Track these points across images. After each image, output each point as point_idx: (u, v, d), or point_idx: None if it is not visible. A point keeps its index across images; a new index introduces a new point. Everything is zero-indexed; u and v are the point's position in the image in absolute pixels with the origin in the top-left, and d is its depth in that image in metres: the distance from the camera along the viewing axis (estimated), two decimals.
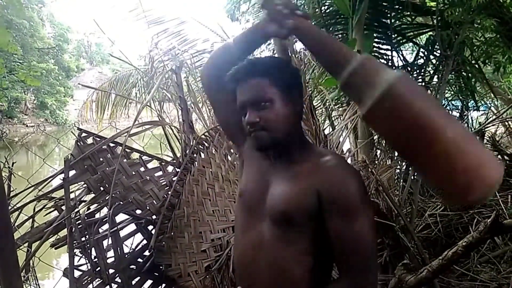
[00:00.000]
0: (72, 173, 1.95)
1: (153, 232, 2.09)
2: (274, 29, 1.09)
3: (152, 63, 3.17)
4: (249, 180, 1.22)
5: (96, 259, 1.97)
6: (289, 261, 1.11)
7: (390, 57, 3.98)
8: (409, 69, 4.07)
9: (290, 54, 3.52)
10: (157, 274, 2.12)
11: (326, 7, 4.07)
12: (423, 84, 4.16)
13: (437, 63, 4.04)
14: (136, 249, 2.12)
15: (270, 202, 1.14)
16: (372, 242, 1.05)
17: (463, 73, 4.20)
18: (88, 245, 1.94)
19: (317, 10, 3.95)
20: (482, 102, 5.74)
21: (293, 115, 1.15)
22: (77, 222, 1.93)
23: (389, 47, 3.96)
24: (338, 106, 4.25)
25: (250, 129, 1.11)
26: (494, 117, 5.23)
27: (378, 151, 3.86)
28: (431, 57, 4.11)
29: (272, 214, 1.13)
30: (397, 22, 4.04)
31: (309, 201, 1.07)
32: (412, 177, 3.42)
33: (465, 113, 5.08)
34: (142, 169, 2.18)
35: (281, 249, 1.11)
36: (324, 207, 1.06)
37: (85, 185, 2.01)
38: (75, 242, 1.91)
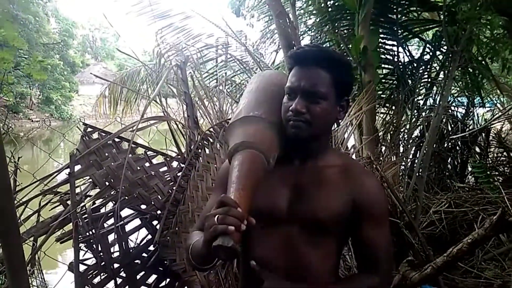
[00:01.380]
0: (77, 167, 1.96)
1: (157, 227, 2.09)
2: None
3: (160, 58, 3.17)
4: (271, 194, 1.14)
5: (101, 254, 1.97)
6: (315, 263, 1.12)
7: (396, 52, 3.96)
8: (415, 65, 4.05)
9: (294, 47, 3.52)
10: (161, 269, 2.13)
11: (332, 1, 4.05)
12: (429, 80, 4.14)
13: (444, 59, 4.01)
14: (141, 244, 2.13)
15: (302, 209, 1.11)
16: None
17: (470, 69, 4.18)
18: (93, 240, 1.95)
19: (322, 5, 3.93)
20: (488, 99, 5.71)
21: (335, 120, 1.15)
22: (82, 217, 1.93)
23: (395, 43, 3.94)
24: None
25: (293, 116, 1.08)
26: (500, 114, 5.19)
27: (383, 148, 3.85)
28: (437, 53, 4.09)
29: (304, 220, 1.11)
30: (404, 17, 4.02)
31: (344, 209, 1.10)
32: (417, 174, 3.41)
33: (471, 110, 5.05)
34: (147, 164, 2.19)
35: (307, 253, 1.12)
36: (360, 216, 1.11)
37: (90, 180, 2.02)
38: (80, 236, 1.92)
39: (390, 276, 1.14)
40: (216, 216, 0.90)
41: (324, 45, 4.06)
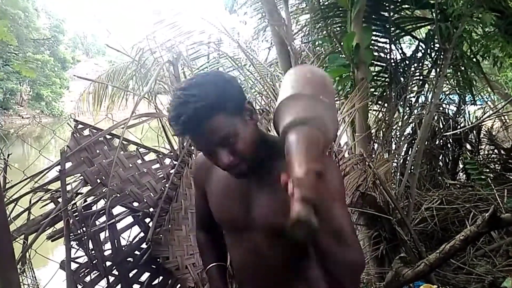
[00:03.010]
0: (68, 165, 1.94)
1: (150, 224, 2.08)
2: None
3: (150, 54, 3.14)
4: (225, 204, 1.18)
5: (93, 252, 1.95)
6: (286, 266, 1.13)
7: (388, 50, 3.96)
8: (407, 62, 4.07)
9: (288, 46, 3.52)
10: (154, 266, 2.12)
11: None
12: (421, 77, 4.15)
13: (435, 56, 4.03)
14: (133, 242, 2.11)
15: (255, 217, 1.10)
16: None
17: (461, 67, 4.20)
18: (85, 238, 1.93)
19: (315, 3, 3.93)
20: (479, 97, 5.75)
21: (255, 128, 1.09)
22: (73, 215, 1.91)
23: (387, 40, 3.94)
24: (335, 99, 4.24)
25: (229, 168, 1.05)
26: (491, 111, 5.24)
27: (376, 145, 3.86)
28: (429, 50, 4.10)
29: (262, 228, 1.10)
30: (396, 15, 4.02)
31: None
32: (409, 171, 3.42)
33: (462, 107, 5.08)
34: (139, 161, 2.17)
35: (272, 257, 1.12)
36: None
37: (81, 177, 1.99)
38: (71, 234, 1.90)
39: (358, 248, 1.06)
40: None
41: (315, 43, 4.06)
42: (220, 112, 0.99)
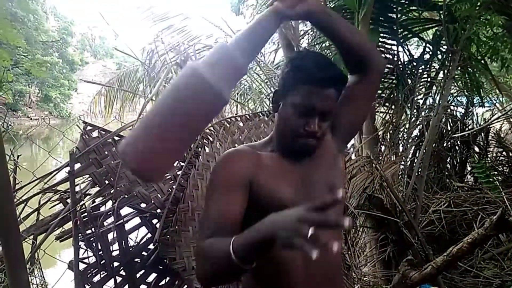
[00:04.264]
0: (77, 166, 1.95)
1: (157, 225, 2.09)
2: (287, 10, 1.05)
3: (158, 57, 3.16)
4: (283, 186, 1.14)
5: (101, 252, 1.97)
6: (337, 254, 1.22)
7: (395, 52, 3.95)
8: (415, 64, 4.05)
9: (295, 48, 3.52)
10: (161, 267, 2.12)
11: (332, 1, 4.05)
12: (429, 79, 4.14)
13: (443, 58, 4.01)
14: (141, 243, 2.12)
15: (319, 192, 1.14)
16: None
17: (469, 69, 4.18)
18: (93, 238, 1.94)
19: (322, 3, 3.93)
20: (488, 99, 5.71)
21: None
22: (82, 215, 1.93)
23: (394, 42, 3.93)
24: None
25: (306, 136, 1.11)
26: (499, 113, 5.20)
27: (383, 147, 3.85)
28: (437, 52, 4.09)
29: (340, 205, 1.21)
30: (403, 17, 4.02)
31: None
32: (417, 173, 3.41)
33: (470, 109, 5.05)
34: None
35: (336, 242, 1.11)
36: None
37: (90, 178, 2.01)
38: (80, 235, 1.91)
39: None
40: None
41: (323, 45, 4.06)
42: (338, 91, 1.13)
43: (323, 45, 4.08)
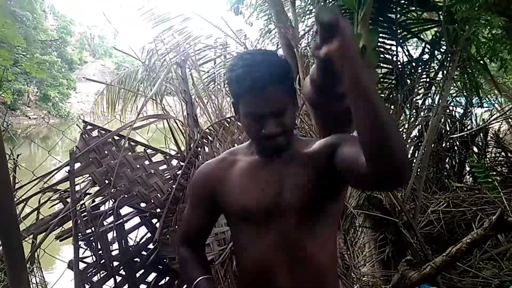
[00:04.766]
0: (77, 165, 1.95)
1: (157, 225, 2.09)
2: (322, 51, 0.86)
3: (158, 57, 3.17)
4: (253, 191, 1.17)
5: (100, 252, 1.97)
6: (316, 254, 1.14)
7: (395, 52, 3.96)
8: (414, 64, 4.06)
9: (294, 48, 3.52)
10: (161, 267, 2.12)
11: (331, 0, 4.05)
12: (428, 80, 4.15)
13: (442, 59, 4.02)
14: (141, 242, 2.12)
15: (294, 196, 1.12)
16: None
17: (468, 69, 4.19)
18: (93, 238, 1.94)
19: (322, 3, 3.93)
20: (487, 99, 5.73)
21: (296, 112, 1.18)
22: (82, 215, 1.93)
23: (393, 42, 3.94)
24: None
25: (268, 138, 1.10)
26: (498, 114, 5.21)
27: None
28: (436, 53, 4.10)
29: (299, 206, 1.12)
30: (403, 17, 4.02)
31: (327, 169, 1.09)
32: (416, 174, 3.42)
33: (469, 110, 5.06)
34: (146, 162, 2.18)
35: (309, 244, 1.13)
36: (336, 150, 1.08)
37: (90, 178, 2.01)
38: (80, 234, 1.91)
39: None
40: None
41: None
42: (282, 84, 1.08)
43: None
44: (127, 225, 2.08)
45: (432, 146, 3.89)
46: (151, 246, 2.11)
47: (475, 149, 4.98)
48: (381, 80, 4.09)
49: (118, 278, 2.02)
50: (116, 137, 2.10)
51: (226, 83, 1.20)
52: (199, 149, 2.36)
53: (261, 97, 1.06)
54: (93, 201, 2.01)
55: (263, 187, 1.15)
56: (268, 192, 1.14)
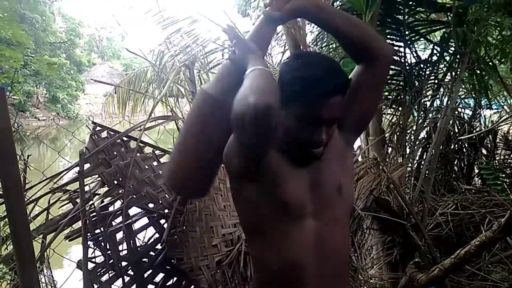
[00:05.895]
0: (86, 166, 1.97)
1: (165, 226, 2.10)
2: (276, 13, 1.12)
3: (167, 59, 3.18)
4: (290, 182, 1.12)
5: (109, 252, 1.98)
6: (347, 250, 1.22)
7: (403, 53, 3.94)
8: (422, 66, 4.04)
9: (301, 48, 3.52)
10: (169, 267, 2.14)
11: (339, 2, 4.05)
12: (436, 81, 4.12)
13: (451, 60, 4.00)
14: (149, 243, 2.13)
15: (345, 194, 1.16)
16: None
17: (477, 71, 4.16)
18: (101, 238, 1.96)
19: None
20: (495, 101, 5.68)
21: None
22: (91, 215, 1.94)
23: (402, 44, 3.93)
24: None
25: (313, 145, 1.08)
26: (507, 115, 5.16)
27: (390, 149, 3.84)
28: (445, 54, 4.07)
29: (348, 204, 1.19)
30: (411, 18, 4.01)
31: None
32: (424, 176, 3.40)
33: (478, 111, 5.03)
34: (155, 163, 2.20)
35: (340, 244, 1.15)
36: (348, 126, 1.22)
37: (99, 179, 2.03)
38: (89, 234, 1.93)
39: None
40: None
41: (329, 47, 4.06)
42: (344, 96, 1.08)
43: (331, 47, 4.08)
44: (136, 226, 2.09)
45: (441, 148, 3.87)
46: (159, 246, 2.13)
47: (484, 151, 4.94)
48: (389, 81, 4.08)
49: (126, 278, 2.04)
50: (125, 138, 2.12)
51: (285, 78, 1.09)
52: None
53: (328, 102, 1.05)
54: (102, 201, 2.03)
55: (304, 188, 1.13)
56: (308, 193, 1.13)
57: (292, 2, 1.12)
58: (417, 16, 4.08)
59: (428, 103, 4.20)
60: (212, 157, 1.12)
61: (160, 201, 2.12)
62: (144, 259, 2.10)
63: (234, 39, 1.08)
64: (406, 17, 3.86)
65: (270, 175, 1.10)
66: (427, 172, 3.39)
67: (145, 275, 2.09)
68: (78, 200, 1.96)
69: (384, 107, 3.91)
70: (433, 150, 3.38)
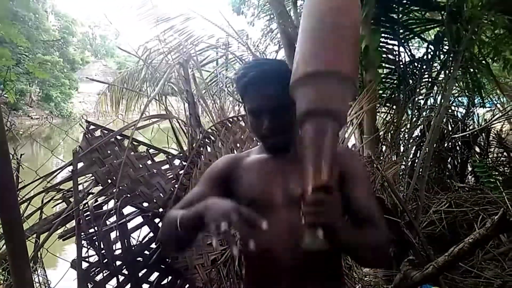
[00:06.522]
0: (80, 165, 1.96)
1: (160, 224, 2.10)
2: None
3: (154, 56, 3.17)
4: (261, 182, 1.20)
5: (103, 251, 1.98)
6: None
7: (397, 52, 3.96)
8: (416, 64, 4.06)
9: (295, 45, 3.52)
10: (163, 266, 2.13)
11: None
12: (430, 79, 4.14)
13: (445, 58, 4.02)
14: (143, 242, 2.13)
15: (295, 191, 1.12)
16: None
17: (470, 69, 4.18)
18: (95, 237, 1.95)
19: None
20: (489, 99, 5.72)
21: (294, 113, 1.16)
22: (85, 214, 1.93)
23: (396, 42, 3.94)
24: None
25: (268, 135, 1.16)
26: (500, 114, 5.20)
27: (384, 147, 3.85)
28: (438, 52, 4.09)
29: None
30: (405, 17, 4.02)
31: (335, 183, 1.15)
32: (418, 174, 3.42)
33: (471, 110, 5.06)
34: (149, 162, 2.19)
35: None
36: (346, 182, 1.17)
37: (93, 177, 2.02)
38: (83, 233, 1.92)
39: (387, 230, 1.17)
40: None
41: None
42: (282, 84, 1.11)
43: None
44: (130, 225, 2.08)
45: (434, 146, 3.89)
46: (153, 245, 2.12)
47: (477, 149, 4.97)
48: (383, 80, 4.09)
49: (121, 278, 2.03)
50: (118, 137, 2.11)
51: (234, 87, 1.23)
52: (201, 149, 2.37)
53: (258, 93, 1.15)
54: (96, 200, 2.02)
55: (271, 179, 1.19)
56: (275, 183, 1.18)
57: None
58: (411, 15, 4.10)
59: (422, 102, 4.22)
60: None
61: (155, 200, 2.12)
62: (138, 258, 2.09)
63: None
64: (401, 15, 3.87)
65: (237, 185, 1.23)
66: (420, 170, 3.40)
67: (140, 274, 2.08)
68: (71, 199, 1.95)
69: (378, 105, 3.92)
70: (427, 148, 3.40)
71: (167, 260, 2.09)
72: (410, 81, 3.95)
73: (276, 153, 1.22)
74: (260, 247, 1.11)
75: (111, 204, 2.04)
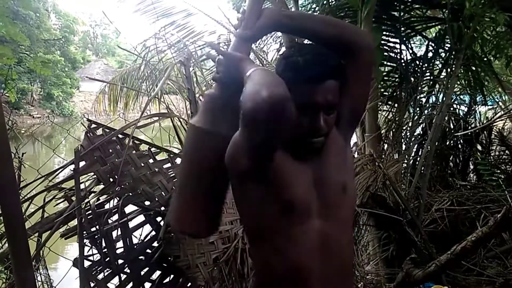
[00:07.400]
0: (82, 164, 1.96)
1: (161, 223, 2.09)
2: (246, 32, 1.13)
3: (149, 52, 3.16)
4: (295, 180, 1.09)
5: (105, 250, 1.98)
6: (352, 250, 1.23)
7: (398, 50, 3.95)
8: (418, 62, 4.05)
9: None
10: (165, 265, 2.13)
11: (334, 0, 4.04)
12: (432, 77, 4.13)
13: (446, 56, 4.00)
14: (145, 240, 2.12)
15: (349, 194, 1.15)
16: None
17: (472, 67, 4.17)
18: (97, 236, 1.95)
19: (325, 2, 3.92)
20: (491, 97, 5.70)
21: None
22: (87, 213, 1.93)
23: (397, 40, 3.93)
24: None
25: (313, 135, 1.06)
26: (502, 112, 5.19)
27: (386, 145, 3.85)
28: (440, 50, 4.08)
29: (351, 203, 1.19)
30: (406, 15, 4.01)
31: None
32: (420, 172, 3.41)
33: (473, 108, 5.04)
34: (150, 160, 2.19)
35: (345, 247, 1.14)
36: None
37: (94, 176, 2.01)
38: (85, 232, 1.92)
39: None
40: None
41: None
42: (338, 81, 1.06)
43: None
44: (132, 223, 2.08)
45: (436, 144, 3.88)
46: (155, 244, 2.12)
47: (479, 147, 4.96)
48: (385, 78, 4.08)
49: (123, 276, 2.03)
50: (120, 136, 2.10)
51: (278, 69, 1.11)
52: None
53: (320, 87, 1.04)
54: (98, 199, 2.02)
55: (307, 185, 1.10)
56: (312, 190, 1.10)
57: (262, 19, 1.11)
58: (412, 13, 4.09)
59: (424, 100, 4.21)
60: (207, 193, 1.13)
61: (156, 199, 2.12)
62: (140, 257, 2.09)
63: (219, 55, 1.10)
64: (402, 13, 3.86)
65: (274, 174, 1.07)
66: (422, 168, 3.40)
67: (142, 273, 2.08)
68: (73, 198, 1.95)
69: (380, 103, 3.92)
70: (429, 146, 3.39)
71: (169, 258, 2.09)
72: (412, 79, 3.94)
73: (311, 155, 1.12)
74: (290, 260, 1.06)
75: (113, 202, 2.04)
